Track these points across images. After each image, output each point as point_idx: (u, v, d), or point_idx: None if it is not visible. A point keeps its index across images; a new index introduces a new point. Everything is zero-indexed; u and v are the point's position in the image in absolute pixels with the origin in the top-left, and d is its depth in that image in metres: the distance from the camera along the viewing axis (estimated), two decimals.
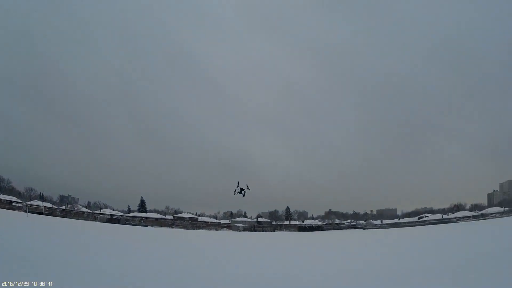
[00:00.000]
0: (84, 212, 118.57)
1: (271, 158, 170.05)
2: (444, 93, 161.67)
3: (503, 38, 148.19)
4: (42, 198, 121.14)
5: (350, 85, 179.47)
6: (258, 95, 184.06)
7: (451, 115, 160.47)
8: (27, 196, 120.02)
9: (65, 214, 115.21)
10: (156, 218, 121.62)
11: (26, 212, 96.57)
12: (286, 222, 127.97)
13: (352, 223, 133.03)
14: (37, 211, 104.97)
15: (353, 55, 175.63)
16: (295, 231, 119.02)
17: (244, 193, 27.28)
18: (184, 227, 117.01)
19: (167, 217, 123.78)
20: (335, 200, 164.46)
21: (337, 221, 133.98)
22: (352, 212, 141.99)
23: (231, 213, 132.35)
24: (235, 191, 27.09)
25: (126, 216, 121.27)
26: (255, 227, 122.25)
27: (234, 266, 23.21)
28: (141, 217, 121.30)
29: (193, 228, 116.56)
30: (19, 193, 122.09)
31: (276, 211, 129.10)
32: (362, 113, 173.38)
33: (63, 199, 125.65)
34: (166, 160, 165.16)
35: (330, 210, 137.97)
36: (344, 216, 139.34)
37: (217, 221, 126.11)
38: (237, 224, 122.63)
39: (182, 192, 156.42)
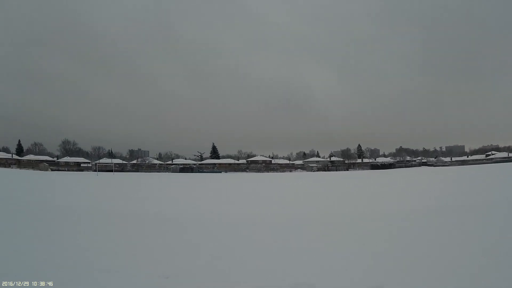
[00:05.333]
0: (156, 164, 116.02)
1: (333, 95, 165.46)
2: None
3: None
4: (111, 155, 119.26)
5: (411, 13, 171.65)
6: (311, 28, 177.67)
7: None
8: (95, 155, 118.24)
9: (137, 168, 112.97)
10: (230, 164, 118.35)
11: (96, 171, 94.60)
12: (359, 161, 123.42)
13: (422, 160, 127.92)
14: (107, 169, 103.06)
15: None
16: (367, 169, 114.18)
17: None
18: (258, 170, 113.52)
19: (241, 161, 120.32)
20: (404, 137, 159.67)
21: (408, 158, 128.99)
22: (422, 149, 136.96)
23: (304, 153, 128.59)
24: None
25: (199, 164, 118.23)
26: (329, 166, 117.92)
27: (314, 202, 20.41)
28: (214, 164, 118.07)
29: (267, 171, 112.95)
30: (87, 153, 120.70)
31: (348, 150, 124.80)
32: (427, 45, 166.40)
33: (133, 154, 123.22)
34: (231, 102, 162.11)
35: (400, 147, 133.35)
36: (414, 153, 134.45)
37: (291, 162, 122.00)
38: (310, 165, 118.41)
39: (253, 135, 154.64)
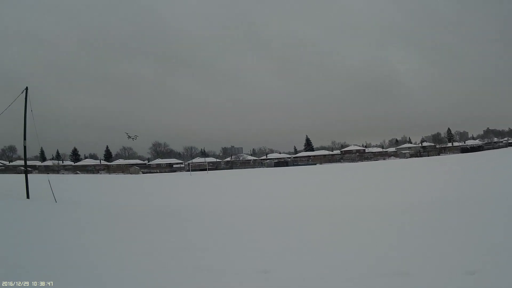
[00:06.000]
0: (250, 160, 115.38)
1: (420, 79, 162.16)
2: None
3: None
4: (204, 154, 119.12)
5: None
6: (394, 11, 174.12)
7: None
8: (187, 155, 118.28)
9: (231, 165, 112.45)
10: (324, 155, 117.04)
11: (189, 171, 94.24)
12: (449, 145, 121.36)
13: (509, 141, 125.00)
14: (200, 168, 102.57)
15: None
16: (457, 153, 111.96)
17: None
18: (352, 160, 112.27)
19: (334, 152, 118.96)
20: (491, 118, 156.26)
21: (495, 139, 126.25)
22: (507, 130, 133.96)
23: (396, 140, 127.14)
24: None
25: (294, 157, 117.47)
26: (421, 152, 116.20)
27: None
28: (309, 156, 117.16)
29: (361, 160, 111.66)
30: (179, 154, 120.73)
31: (438, 134, 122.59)
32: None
33: (226, 151, 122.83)
34: (322, 93, 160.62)
35: (488, 128, 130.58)
36: (501, 134, 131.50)
37: (384, 150, 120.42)
38: (403, 151, 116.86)
39: (346, 125, 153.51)
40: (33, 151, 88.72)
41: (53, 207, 15.16)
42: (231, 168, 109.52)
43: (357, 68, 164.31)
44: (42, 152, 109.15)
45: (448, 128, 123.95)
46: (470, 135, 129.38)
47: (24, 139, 19.68)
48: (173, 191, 29.09)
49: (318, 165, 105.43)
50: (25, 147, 20.33)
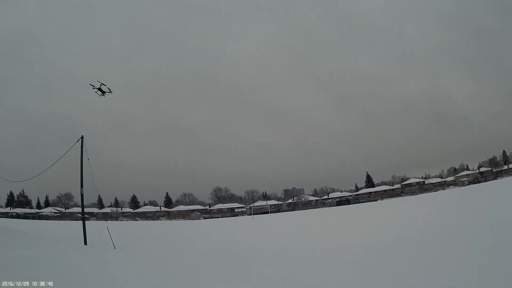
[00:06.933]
0: (312, 200, 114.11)
1: (474, 100, 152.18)
2: None
3: None
4: (265, 197, 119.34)
5: None
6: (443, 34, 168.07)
7: None
8: (249, 199, 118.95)
9: (293, 207, 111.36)
10: (385, 190, 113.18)
11: (251, 214, 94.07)
12: (505, 167, 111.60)
13: None
14: (262, 211, 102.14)
15: None
16: None
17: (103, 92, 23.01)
18: (413, 193, 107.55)
19: (395, 186, 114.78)
20: None
21: None
22: None
23: (454, 168, 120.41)
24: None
25: (355, 195, 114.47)
26: (478, 178, 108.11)
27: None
28: (370, 193, 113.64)
29: (421, 192, 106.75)
30: (240, 198, 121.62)
31: (494, 158, 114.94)
32: None
33: (287, 193, 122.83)
34: (381, 126, 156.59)
35: None
36: None
37: (443, 180, 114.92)
38: (461, 179, 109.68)
39: (405, 157, 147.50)
40: (90, 198, 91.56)
41: (112, 253, 15.42)
42: (293, 209, 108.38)
43: (412, 97, 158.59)
44: (100, 200, 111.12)
45: (503, 150, 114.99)
46: None
47: (81, 186, 20.30)
48: (235, 233, 29.71)
49: (379, 201, 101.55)
50: (82, 194, 20.89)
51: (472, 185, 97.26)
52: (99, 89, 22.90)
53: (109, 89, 23.26)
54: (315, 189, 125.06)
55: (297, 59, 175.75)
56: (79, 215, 33.00)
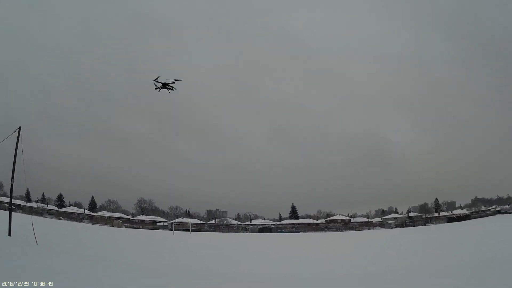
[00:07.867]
0: (234, 224, 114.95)
1: (412, 146, 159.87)
2: None
3: None
4: (188, 215, 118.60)
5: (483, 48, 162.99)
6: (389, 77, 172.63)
7: None
8: (172, 214, 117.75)
9: (214, 228, 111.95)
10: (309, 223, 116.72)
11: (172, 230, 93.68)
12: (436, 214, 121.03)
13: (497, 209, 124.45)
14: (183, 228, 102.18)
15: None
16: (444, 222, 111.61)
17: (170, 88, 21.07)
18: (337, 229, 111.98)
19: (319, 221, 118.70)
20: (480, 186, 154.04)
21: (483, 208, 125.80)
22: (496, 197, 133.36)
23: (383, 210, 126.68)
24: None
25: (278, 224, 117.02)
26: (407, 222, 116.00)
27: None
28: (293, 224, 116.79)
29: (346, 229, 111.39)
30: (163, 212, 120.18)
31: (425, 204, 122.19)
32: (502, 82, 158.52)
33: (211, 214, 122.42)
34: (312, 160, 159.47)
35: (476, 197, 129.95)
36: (489, 202, 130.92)
37: (369, 220, 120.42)
38: (389, 222, 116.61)
39: (333, 194, 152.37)
40: (19, 190, 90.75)
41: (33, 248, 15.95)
42: (214, 231, 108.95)
43: (348, 137, 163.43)
44: (28, 193, 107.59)
45: (436, 198, 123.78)
46: (458, 204, 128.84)
47: (12, 177, 20.38)
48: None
49: (301, 233, 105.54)
50: (12, 185, 21.11)
51: (400, 228, 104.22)
52: (164, 85, 20.45)
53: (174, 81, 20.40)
54: (238, 214, 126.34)
55: (241, 85, 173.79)
56: (6, 205, 32.05)
